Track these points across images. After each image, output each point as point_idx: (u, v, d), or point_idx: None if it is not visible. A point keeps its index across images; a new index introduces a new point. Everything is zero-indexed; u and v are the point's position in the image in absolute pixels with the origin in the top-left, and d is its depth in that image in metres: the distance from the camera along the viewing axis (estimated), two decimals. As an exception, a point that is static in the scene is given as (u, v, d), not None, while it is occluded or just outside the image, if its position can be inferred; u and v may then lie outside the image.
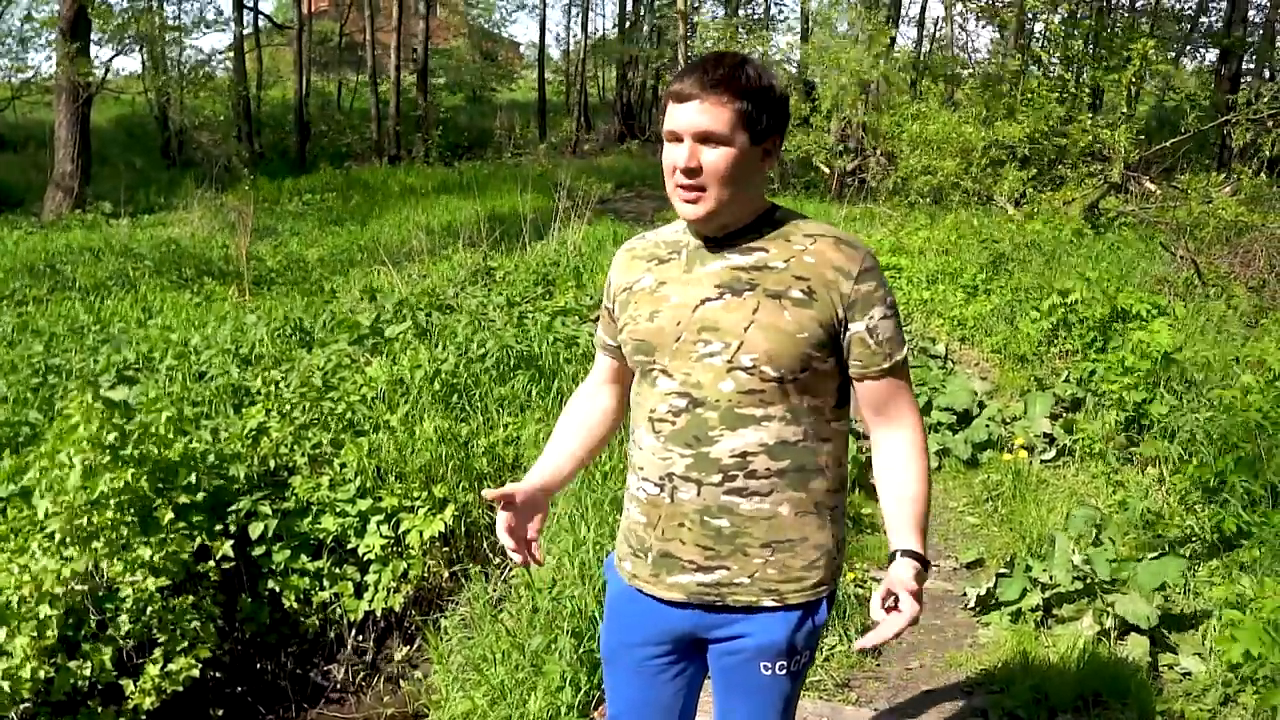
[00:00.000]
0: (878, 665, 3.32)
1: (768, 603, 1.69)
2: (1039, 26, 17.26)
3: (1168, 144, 13.79)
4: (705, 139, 1.57)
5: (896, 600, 1.57)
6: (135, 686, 3.43)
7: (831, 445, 1.70)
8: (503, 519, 1.77)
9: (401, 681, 4.01)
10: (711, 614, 1.71)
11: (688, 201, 1.60)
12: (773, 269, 1.63)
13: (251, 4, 25.77)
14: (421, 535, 4.11)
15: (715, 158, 1.57)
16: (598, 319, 1.95)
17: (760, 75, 1.60)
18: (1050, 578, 3.52)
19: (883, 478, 1.70)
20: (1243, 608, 3.24)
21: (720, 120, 1.56)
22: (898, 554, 1.62)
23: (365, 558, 4.14)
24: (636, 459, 1.74)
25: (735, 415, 1.62)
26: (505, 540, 1.78)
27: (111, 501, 3.61)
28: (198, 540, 3.83)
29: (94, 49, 16.81)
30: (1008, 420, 5.34)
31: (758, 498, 1.65)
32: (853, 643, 3.30)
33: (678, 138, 1.59)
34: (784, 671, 1.71)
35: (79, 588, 3.41)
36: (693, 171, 1.58)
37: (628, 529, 1.80)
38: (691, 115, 1.57)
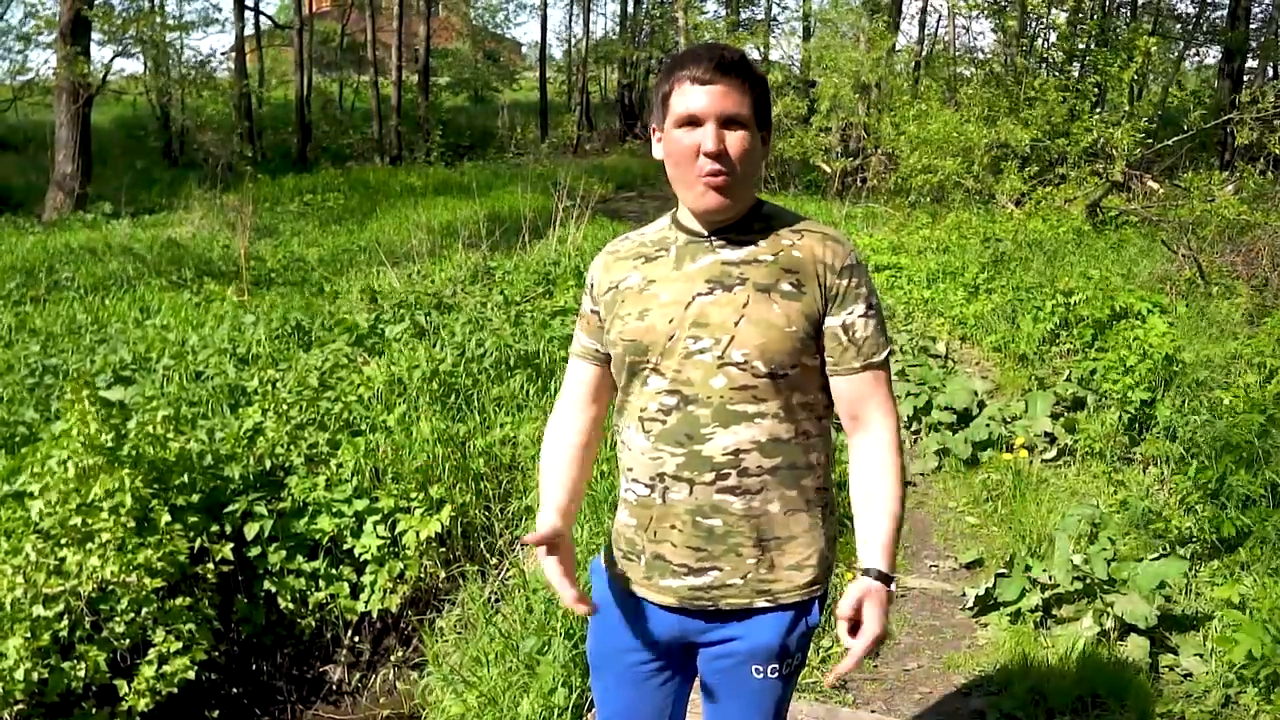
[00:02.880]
0: (875, 667, 3.30)
1: (760, 604, 1.66)
2: (1041, 25, 17.21)
3: (1169, 142, 13.75)
4: (729, 122, 1.55)
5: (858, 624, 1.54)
6: (130, 688, 3.41)
7: (823, 442, 1.69)
8: (554, 565, 1.62)
9: (398, 682, 3.99)
10: (702, 619, 1.69)
11: (714, 188, 1.56)
12: (762, 262, 1.61)
13: (252, 4, 25.76)
14: (418, 536, 4.09)
15: (738, 141, 1.56)
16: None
17: (757, 66, 1.61)
18: (1050, 578, 3.50)
19: (855, 490, 1.66)
20: (1244, 608, 3.22)
21: (742, 104, 1.55)
22: (862, 573, 1.59)
23: (361, 558, 4.12)
24: (626, 460, 1.71)
25: (727, 412, 1.60)
26: (564, 589, 1.61)
27: (105, 504, 3.59)
28: (197, 542, 3.81)
29: (95, 50, 16.84)
30: (1008, 419, 5.31)
31: (750, 496, 1.62)
32: (844, 646, 3.28)
33: (697, 122, 1.55)
34: (775, 674, 1.69)
35: (73, 588, 3.39)
36: (721, 155, 1.54)
37: (618, 532, 1.77)
38: (716, 99, 1.54)
